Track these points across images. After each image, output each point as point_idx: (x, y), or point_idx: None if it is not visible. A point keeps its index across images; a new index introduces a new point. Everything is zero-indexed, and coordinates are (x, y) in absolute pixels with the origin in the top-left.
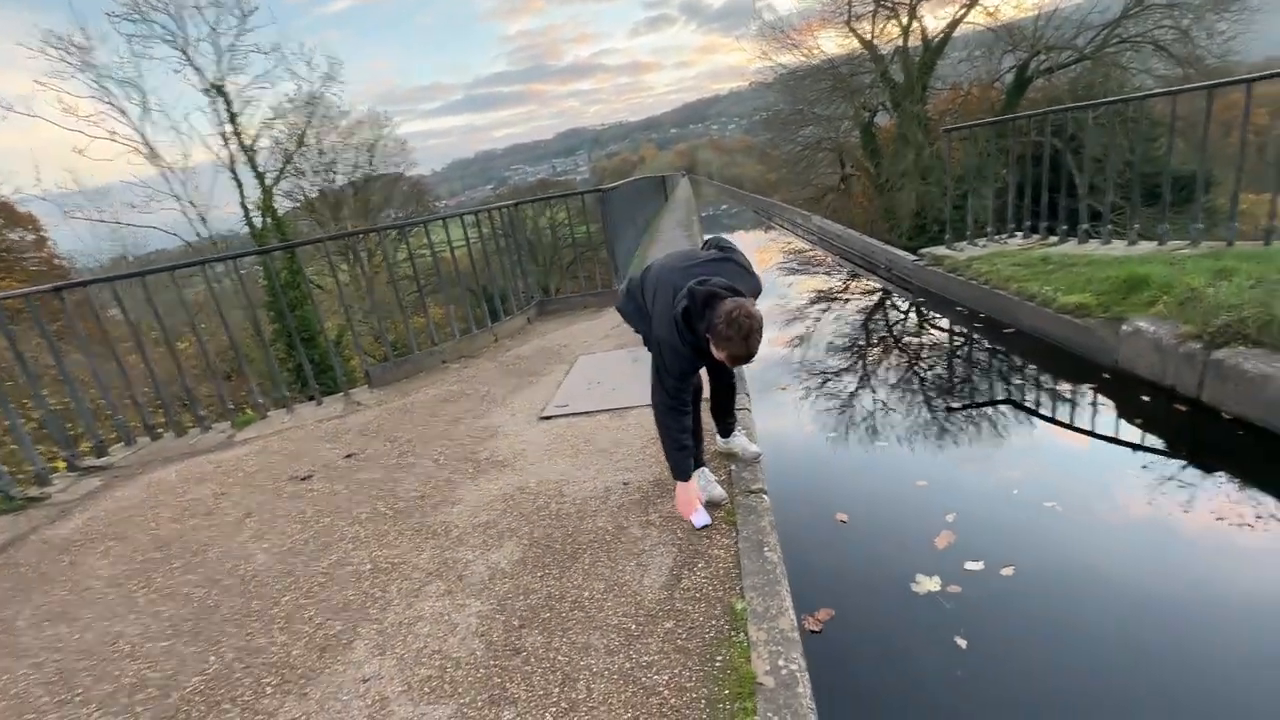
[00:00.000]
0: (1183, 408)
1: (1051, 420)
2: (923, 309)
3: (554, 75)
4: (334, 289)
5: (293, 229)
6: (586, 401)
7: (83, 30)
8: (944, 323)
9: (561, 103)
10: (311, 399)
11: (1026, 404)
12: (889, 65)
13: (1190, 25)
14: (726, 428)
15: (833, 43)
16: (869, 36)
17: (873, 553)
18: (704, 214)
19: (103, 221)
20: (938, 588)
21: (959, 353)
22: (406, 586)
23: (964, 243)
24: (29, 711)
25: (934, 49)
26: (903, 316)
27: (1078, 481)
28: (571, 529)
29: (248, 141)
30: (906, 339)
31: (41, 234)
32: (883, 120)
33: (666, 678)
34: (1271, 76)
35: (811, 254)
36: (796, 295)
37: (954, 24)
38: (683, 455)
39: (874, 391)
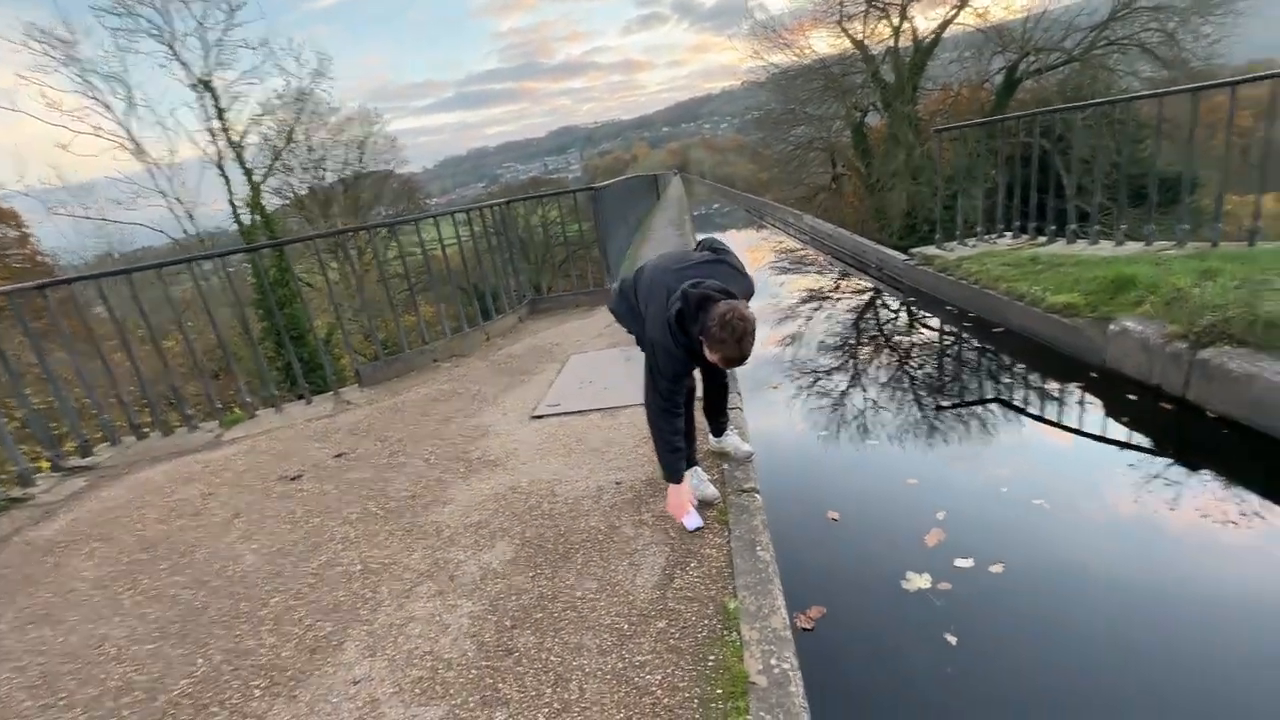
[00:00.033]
0: (1169, 406)
1: (1040, 419)
2: (913, 308)
3: (546, 73)
4: (323, 287)
5: (281, 226)
6: (579, 400)
7: (66, 24)
8: (934, 322)
9: (554, 100)
10: (301, 398)
11: (1015, 403)
12: (880, 65)
13: (1176, 28)
14: (719, 427)
15: (824, 42)
16: (860, 36)
17: (864, 550)
18: (696, 213)
19: (88, 218)
20: (928, 585)
21: (949, 352)
22: (397, 587)
23: (954, 243)
24: (12, 716)
25: (925, 50)
26: (893, 316)
27: (1066, 480)
28: (564, 528)
29: (235, 138)
30: (897, 338)
31: (25, 230)
32: (874, 120)
33: (659, 677)
34: (1256, 79)
35: (803, 253)
36: (788, 294)
37: (944, 25)
38: (675, 457)
39: (865, 390)
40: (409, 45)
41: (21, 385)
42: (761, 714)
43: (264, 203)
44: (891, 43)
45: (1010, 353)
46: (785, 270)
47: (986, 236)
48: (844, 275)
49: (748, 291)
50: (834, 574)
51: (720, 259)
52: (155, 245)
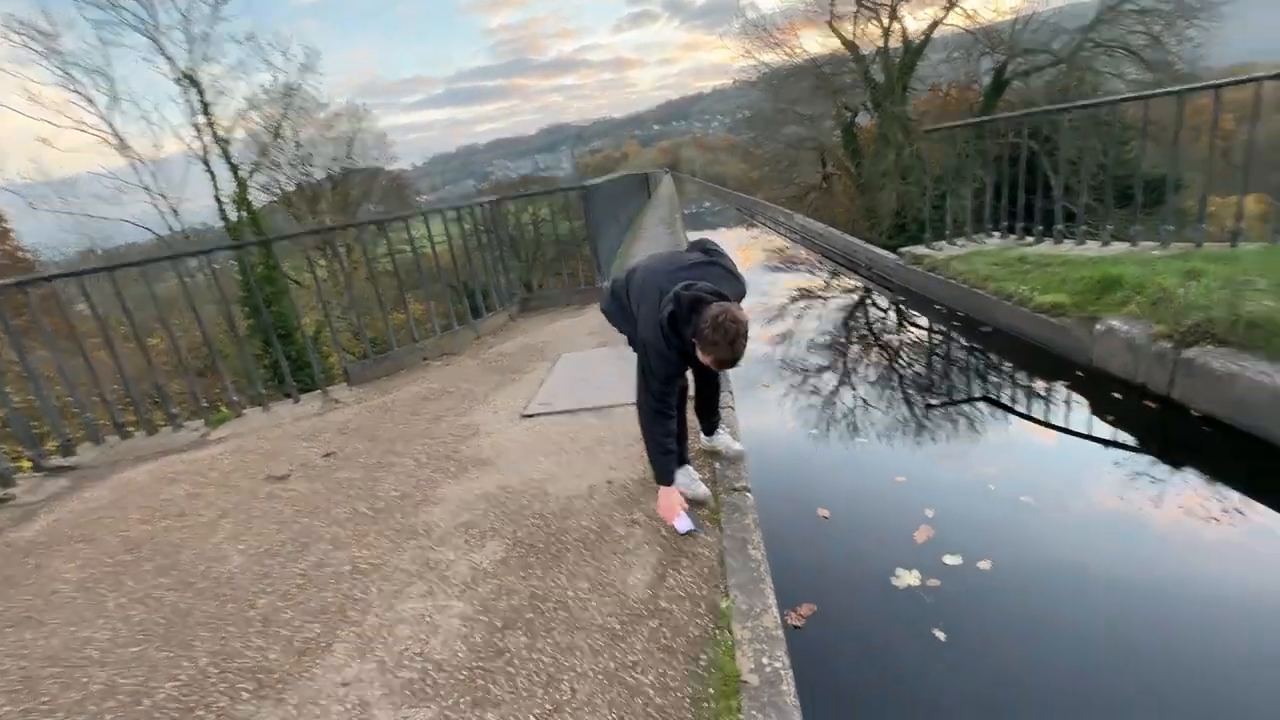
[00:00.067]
0: (1153, 405)
1: (1027, 417)
2: (903, 307)
3: (536, 70)
4: (311, 284)
5: (269, 223)
6: (570, 399)
7: (47, 16)
8: (923, 321)
9: (544, 98)
10: (288, 396)
11: (1003, 401)
12: (870, 65)
13: (1161, 31)
14: (710, 426)
15: (815, 42)
16: (851, 36)
17: (854, 547)
18: (687, 211)
19: (70, 214)
20: (917, 581)
21: (938, 351)
22: (387, 588)
23: (943, 242)
24: None
25: (914, 50)
26: (883, 315)
27: (1052, 477)
28: (555, 528)
29: (221, 133)
30: (887, 337)
31: (5, 226)
32: (864, 120)
33: (651, 677)
34: (1241, 83)
35: (793, 252)
36: (779, 293)
37: (934, 25)
38: (667, 460)
39: (855, 388)
40: (398, 41)
41: (2, 383)
42: (754, 713)
43: (250, 199)
44: (881, 43)
45: (998, 352)
46: (776, 269)
47: (975, 236)
48: (834, 274)
49: (740, 293)
50: (824, 571)
51: (713, 261)
52: (139, 242)
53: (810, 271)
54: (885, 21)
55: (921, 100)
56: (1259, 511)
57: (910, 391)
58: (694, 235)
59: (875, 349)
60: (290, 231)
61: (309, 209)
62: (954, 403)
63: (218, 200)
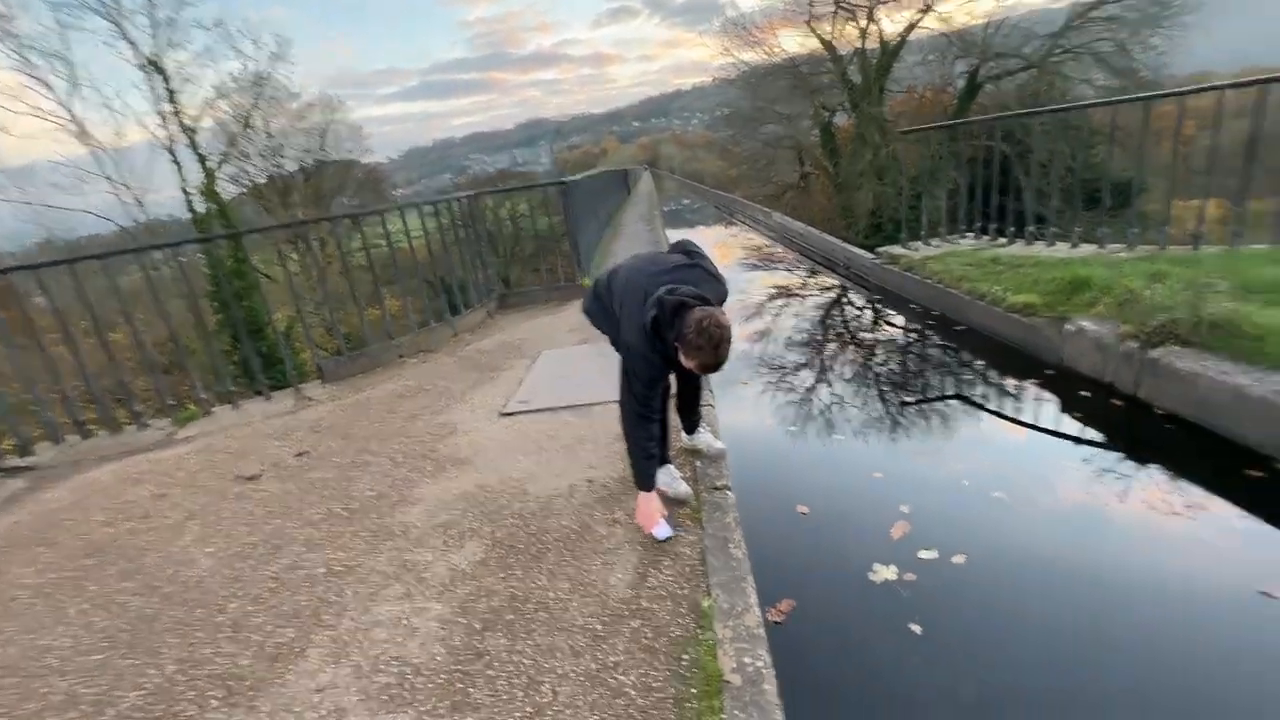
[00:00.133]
0: (1119, 403)
1: (999, 415)
2: (879, 306)
3: (515, 64)
4: (283, 279)
5: (238, 216)
6: (549, 397)
7: None
8: (899, 320)
9: (522, 92)
10: (259, 394)
11: (976, 399)
12: (848, 66)
13: (1127, 39)
14: (692, 424)
15: (794, 42)
16: (829, 37)
17: (832, 543)
18: (666, 208)
19: (27, 203)
20: (894, 576)
21: (913, 349)
22: (363, 590)
23: (919, 242)
24: None
25: (891, 52)
26: (859, 313)
27: (1023, 473)
28: (535, 528)
29: (188, 122)
30: (863, 335)
31: None
32: (841, 120)
33: (633, 678)
34: (1204, 90)
35: (772, 250)
36: (758, 291)
37: (910, 28)
38: (649, 464)
39: (832, 386)
40: (371, 31)
41: None
42: (736, 713)
43: (219, 190)
44: (859, 44)
45: (972, 350)
46: (755, 267)
47: (949, 237)
48: (812, 273)
49: (722, 296)
50: (803, 567)
51: (695, 263)
52: (101, 233)
53: (789, 270)
54: (863, 23)
55: (898, 101)
56: (1219, 505)
57: (886, 389)
58: (673, 232)
59: (852, 347)
60: (261, 224)
61: (280, 201)
62: (929, 400)
63: (184, 191)
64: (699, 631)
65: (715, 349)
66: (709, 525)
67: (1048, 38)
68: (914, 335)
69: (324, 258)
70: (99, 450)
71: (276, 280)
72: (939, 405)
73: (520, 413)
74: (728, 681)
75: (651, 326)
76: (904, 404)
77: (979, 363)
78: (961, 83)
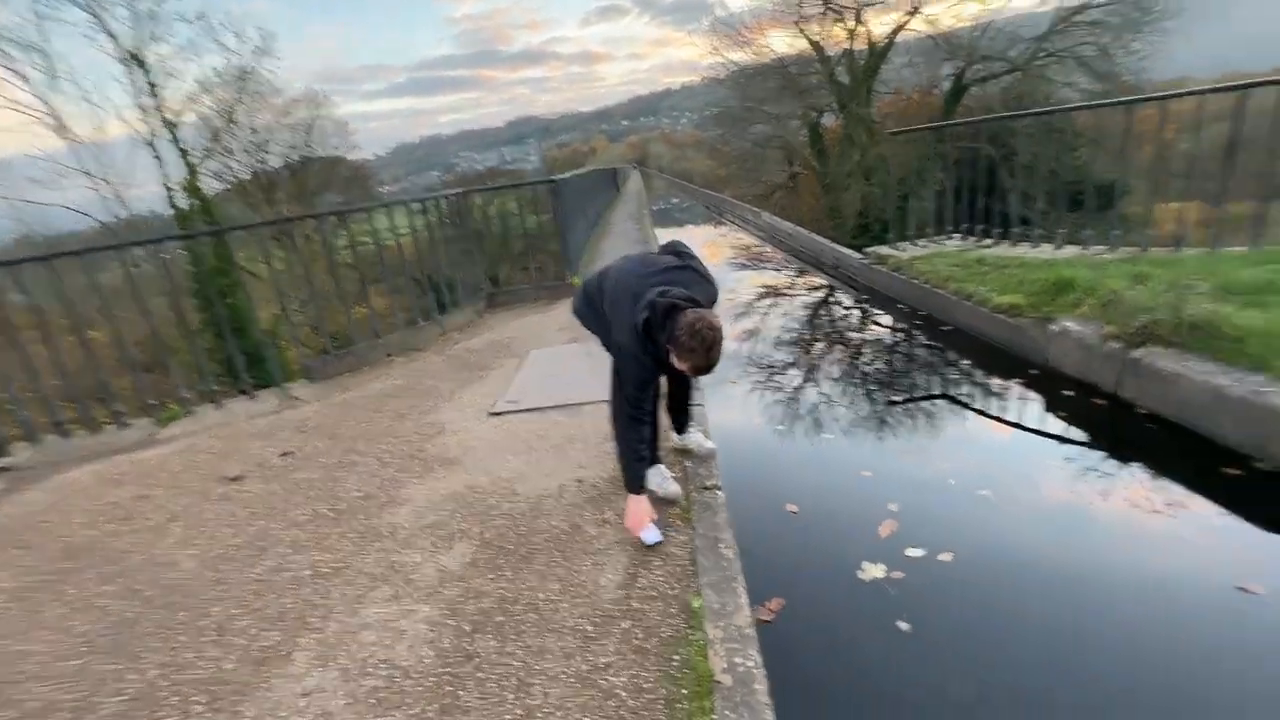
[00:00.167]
0: (1102, 403)
1: (985, 414)
2: (867, 306)
3: (504, 61)
4: (268, 276)
5: (221, 212)
6: (539, 397)
7: None
8: (886, 320)
9: (511, 89)
10: (243, 393)
11: (962, 398)
12: (836, 67)
13: (1109, 44)
14: (682, 424)
15: (783, 42)
16: (817, 38)
17: (821, 542)
18: (655, 207)
19: (4, 198)
20: (883, 574)
21: (900, 349)
22: (350, 592)
23: (906, 243)
24: None
25: (878, 53)
26: (847, 313)
27: (1009, 472)
28: (525, 528)
29: (170, 116)
30: (851, 335)
31: None
32: (829, 121)
33: (624, 679)
34: (1185, 95)
35: (761, 250)
36: (746, 291)
37: (897, 30)
38: (639, 467)
39: (820, 385)
40: (357, 26)
41: None
42: (727, 713)
43: (202, 186)
44: (847, 45)
45: (958, 350)
46: (744, 266)
47: (936, 237)
48: (800, 273)
49: (712, 298)
50: (793, 565)
51: (685, 264)
52: (80, 229)
53: (777, 269)
54: (850, 24)
55: (885, 103)
56: (1198, 504)
57: (874, 388)
58: (662, 232)
59: (840, 346)
60: (245, 221)
61: (265, 198)
62: (916, 400)
63: (166, 187)
64: (690, 632)
65: (707, 351)
66: (699, 525)
67: (1032, 41)
68: (901, 335)
69: (308, 254)
70: (78, 451)
71: (261, 278)
72: (926, 405)
73: (509, 412)
74: (718, 682)
75: (643, 328)
76: (891, 403)
77: (965, 362)
78: (948, 85)
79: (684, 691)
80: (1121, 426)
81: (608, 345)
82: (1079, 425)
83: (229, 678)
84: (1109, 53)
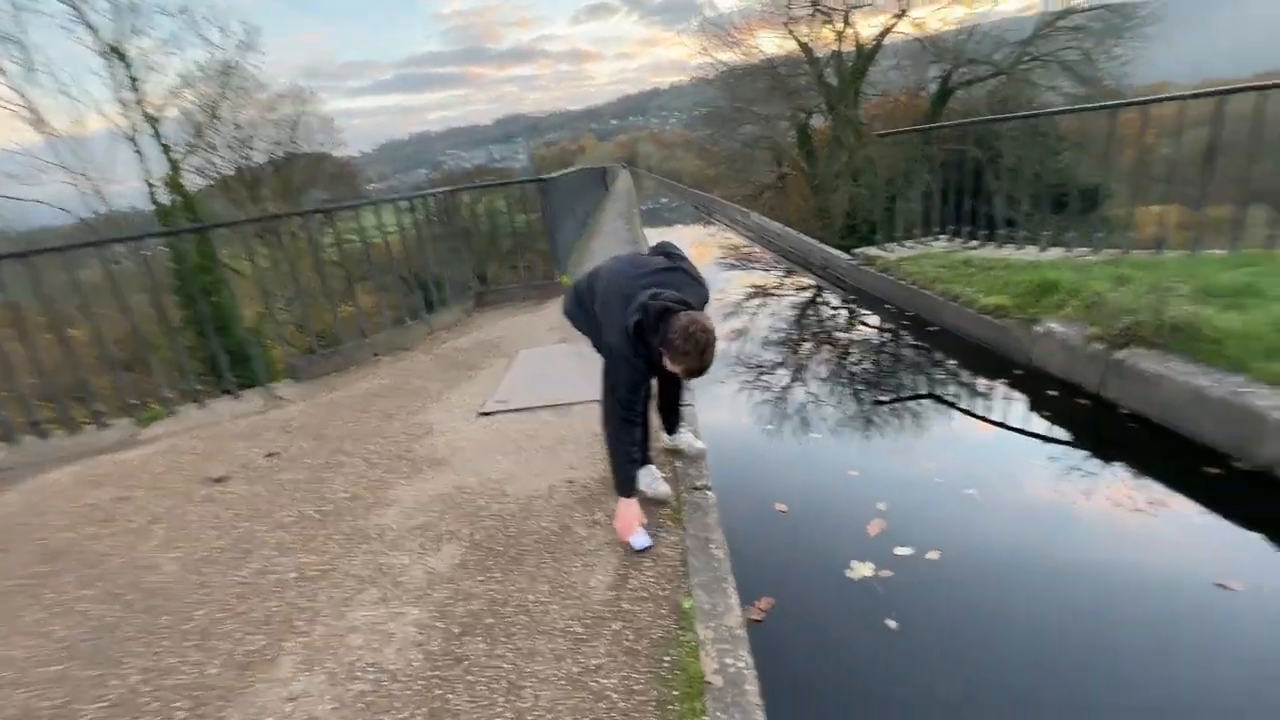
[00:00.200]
0: (1086, 403)
1: (971, 414)
2: (855, 306)
3: (492, 59)
4: (252, 274)
5: (204, 208)
6: (529, 397)
7: None
8: (874, 320)
9: (500, 87)
10: (227, 393)
11: (949, 398)
12: (824, 69)
13: (1092, 48)
14: (672, 425)
15: (772, 43)
16: (806, 39)
17: (811, 541)
18: (644, 207)
19: None
20: (871, 573)
21: (887, 349)
22: (337, 595)
23: (893, 244)
24: None
25: (866, 55)
26: (835, 313)
27: (994, 471)
28: (514, 530)
29: (152, 111)
30: (839, 335)
31: None
32: (818, 122)
33: (615, 681)
34: (1166, 100)
35: (750, 250)
36: (736, 290)
37: (885, 32)
38: (631, 469)
39: (809, 385)
40: (343, 21)
41: None
42: (718, 714)
43: (184, 182)
44: (835, 47)
45: (944, 350)
46: (733, 266)
47: (923, 239)
48: (789, 273)
49: (703, 299)
50: (783, 565)
51: (676, 265)
52: (58, 225)
53: (766, 269)
54: (839, 26)
55: (872, 104)
56: (1179, 502)
57: (862, 388)
58: (651, 232)
59: (829, 346)
60: (229, 218)
61: (249, 194)
62: (903, 399)
63: (148, 183)
64: (680, 633)
65: (701, 354)
66: (690, 526)
67: (1017, 45)
68: (889, 335)
69: (293, 250)
70: (57, 451)
71: (245, 275)
72: (913, 404)
73: (499, 412)
74: (709, 683)
75: (635, 331)
76: (879, 403)
77: (952, 363)
78: (934, 87)
79: (675, 693)
80: (1105, 426)
81: (598, 346)
82: (1063, 425)
83: (213, 683)
84: (1092, 57)
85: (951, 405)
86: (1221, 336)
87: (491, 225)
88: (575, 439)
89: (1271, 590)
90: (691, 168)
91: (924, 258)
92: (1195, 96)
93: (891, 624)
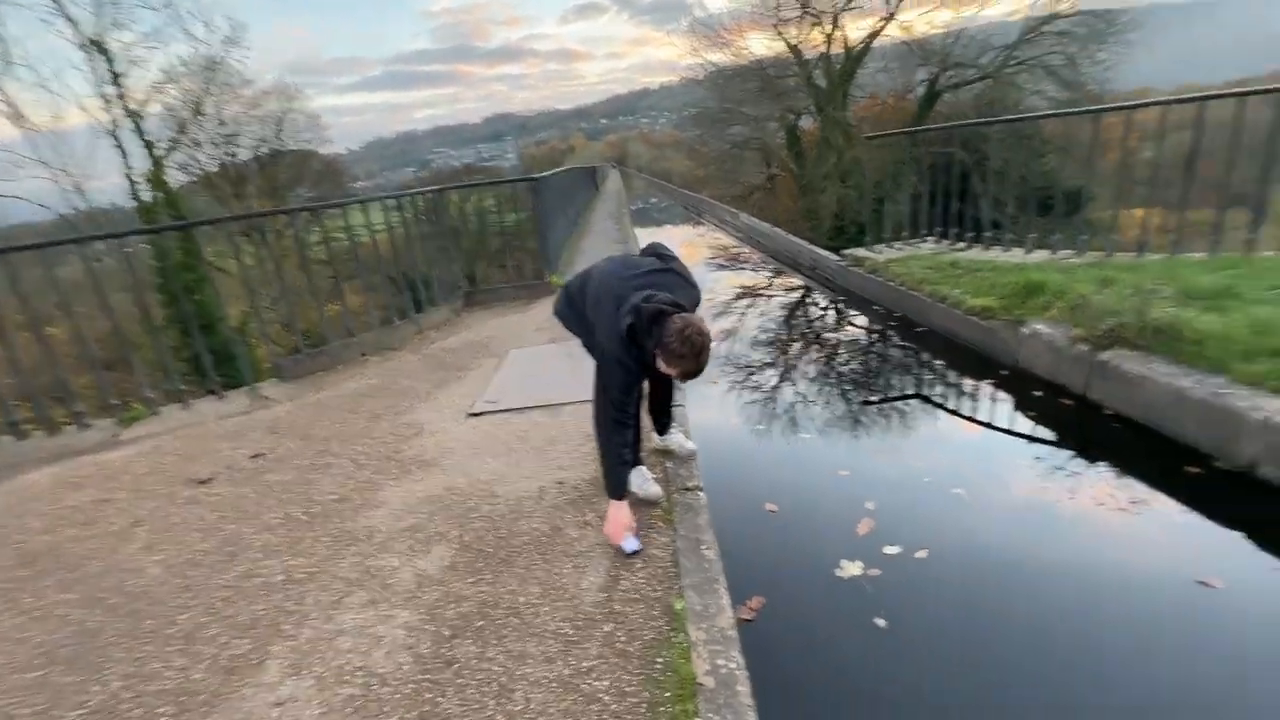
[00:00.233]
0: (1071, 404)
1: (958, 414)
2: (843, 307)
3: (481, 57)
4: (237, 272)
5: (188, 206)
6: (518, 397)
7: None
8: (862, 321)
9: (489, 86)
10: (212, 393)
11: (936, 398)
12: (813, 70)
13: (1076, 53)
14: (663, 425)
15: (761, 44)
16: (795, 41)
17: (800, 540)
18: (634, 207)
19: None
20: (860, 572)
21: (875, 349)
22: (325, 598)
23: (882, 245)
24: None
25: (854, 58)
26: (824, 314)
27: (981, 471)
28: (505, 531)
29: (134, 106)
30: (827, 335)
31: None
32: (807, 123)
33: (607, 683)
34: (1149, 105)
35: (739, 251)
36: (725, 290)
37: (873, 35)
38: (622, 471)
39: (798, 385)
40: (330, 17)
41: None
42: (710, 715)
43: (167, 179)
44: (824, 49)
45: (932, 351)
46: (722, 267)
47: (911, 240)
48: (778, 273)
49: (695, 300)
50: (773, 564)
51: (668, 267)
52: (36, 220)
53: (755, 270)
54: (828, 28)
55: (861, 106)
56: (1161, 501)
57: (850, 388)
58: (641, 232)
59: (817, 347)
60: (213, 215)
61: (234, 192)
62: (891, 400)
63: (129, 179)
64: (672, 634)
65: (697, 357)
66: (681, 527)
67: (1003, 49)
68: (877, 336)
69: (278, 249)
70: (36, 452)
71: (230, 274)
72: (901, 405)
73: (488, 413)
74: (701, 684)
75: (628, 333)
76: (867, 403)
77: (939, 363)
78: (922, 90)
79: (667, 694)
80: (1089, 427)
81: (589, 347)
82: (1048, 425)
83: (198, 688)
84: (1075, 62)
85: (939, 406)
86: (1202, 338)
87: (480, 224)
88: (566, 440)
89: (1251, 587)
90: (681, 168)
91: (912, 259)
92: (1177, 101)
93: (880, 623)
